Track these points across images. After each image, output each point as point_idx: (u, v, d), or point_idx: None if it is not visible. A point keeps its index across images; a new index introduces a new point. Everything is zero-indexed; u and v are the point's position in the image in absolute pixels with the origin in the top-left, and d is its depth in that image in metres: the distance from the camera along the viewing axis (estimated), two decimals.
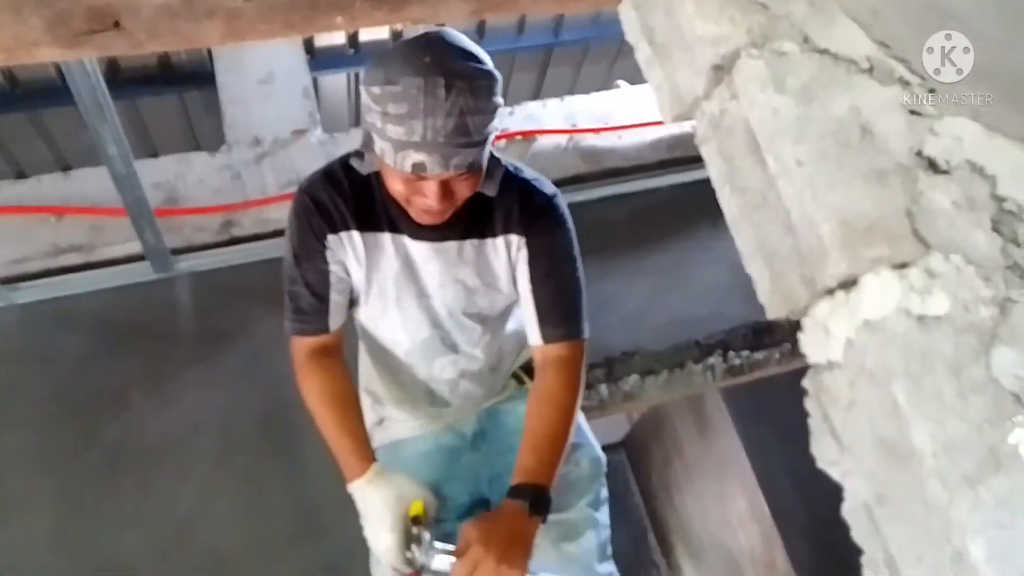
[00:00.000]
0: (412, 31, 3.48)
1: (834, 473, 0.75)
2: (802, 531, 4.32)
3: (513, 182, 1.58)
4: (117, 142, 2.17)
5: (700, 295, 3.05)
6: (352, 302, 1.65)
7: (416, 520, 1.47)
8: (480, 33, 3.90)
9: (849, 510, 0.74)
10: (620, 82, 3.67)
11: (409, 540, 1.45)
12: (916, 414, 0.66)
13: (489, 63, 1.38)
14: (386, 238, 1.57)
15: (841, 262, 0.71)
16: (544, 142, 3.30)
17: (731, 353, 3.00)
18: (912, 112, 0.77)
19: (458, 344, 1.68)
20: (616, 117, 3.41)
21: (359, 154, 1.49)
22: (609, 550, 1.69)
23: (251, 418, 2.63)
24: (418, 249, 1.57)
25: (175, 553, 2.44)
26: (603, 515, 1.71)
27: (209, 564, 2.43)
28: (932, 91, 0.78)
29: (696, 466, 5.60)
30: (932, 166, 0.75)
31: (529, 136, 3.28)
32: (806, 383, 0.78)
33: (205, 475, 2.55)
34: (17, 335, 2.69)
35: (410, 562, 1.44)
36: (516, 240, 1.60)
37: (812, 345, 0.77)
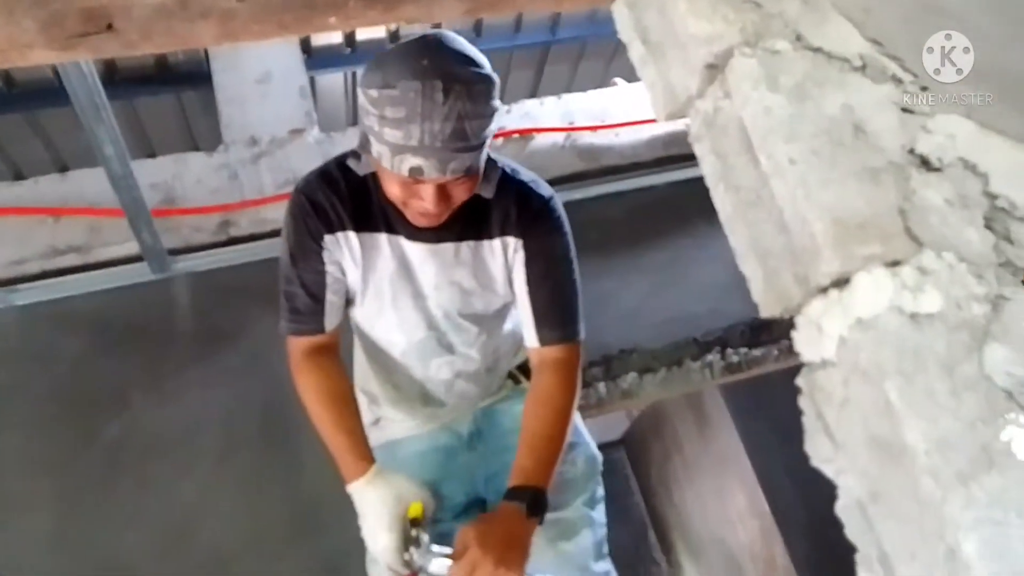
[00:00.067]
0: (409, 31, 3.47)
1: (828, 471, 0.75)
2: (801, 527, 4.33)
3: (510, 184, 1.58)
4: (114, 142, 2.16)
5: (698, 292, 3.05)
6: (348, 302, 1.65)
7: (414, 522, 1.47)
8: (477, 31, 3.90)
9: (843, 507, 0.74)
10: (617, 80, 3.67)
11: (407, 541, 1.45)
12: (909, 412, 0.66)
13: (487, 67, 1.37)
14: (382, 239, 1.57)
15: (834, 260, 0.71)
16: (541, 140, 3.30)
17: (729, 350, 3.00)
18: (905, 110, 0.77)
19: (454, 345, 1.68)
20: (613, 115, 3.41)
21: (356, 155, 1.49)
22: (605, 548, 1.69)
23: (250, 417, 2.63)
24: (414, 250, 1.57)
25: (174, 552, 2.44)
26: (599, 514, 1.71)
27: (209, 563, 2.43)
28: (925, 89, 0.78)
29: (695, 463, 5.61)
30: (925, 164, 0.75)
31: (526, 134, 3.28)
32: (800, 381, 0.78)
33: (204, 474, 2.55)
34: (16, 336, 2.69)
35: (408, 563, 1.44)
36: (513, 242, 1.60)
37: (805, 343, 0.77)
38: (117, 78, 3.35)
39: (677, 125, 3.14)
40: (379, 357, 1.72)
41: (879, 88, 0.77)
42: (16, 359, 2.65)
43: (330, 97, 4.08)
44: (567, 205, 1.69)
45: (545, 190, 1.63)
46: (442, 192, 1.41)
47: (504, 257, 1.61)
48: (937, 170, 0.75)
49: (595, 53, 4.37)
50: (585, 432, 1.79)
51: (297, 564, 2.47)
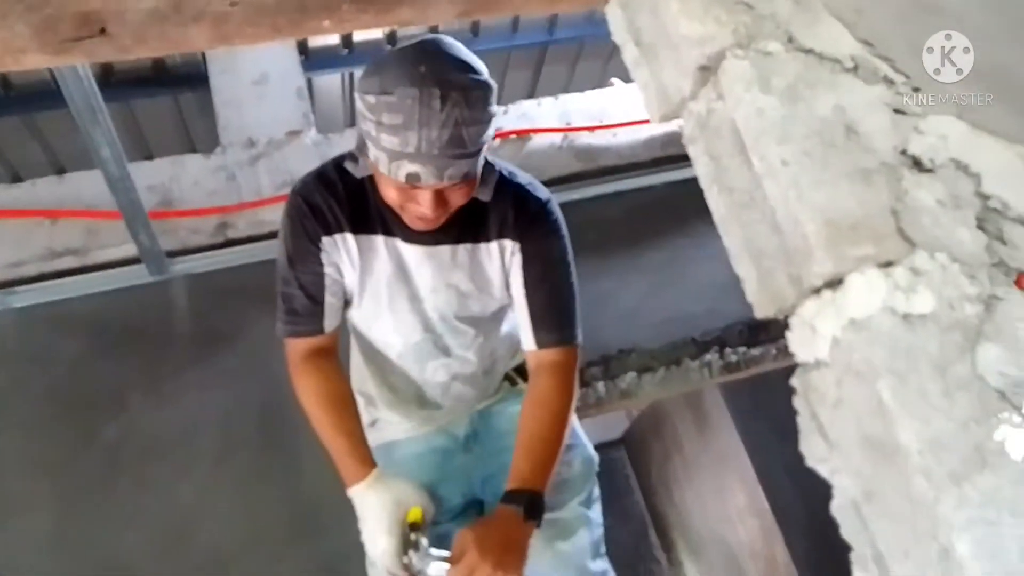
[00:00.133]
0: (407, 32, 3.46)
1: (823, 470, 0.76)
2: (801, 526, 4.34)
3: (507, 187, 1.58)
4: (110, 145, 2.16)
5: (696, 292, 3.05)
6: (346, 303, 1.65)
7: (414, 526, 1.47)
8: (474, 32, 3.90)
9: (838, 507, 0.74)
10: (614, 80, 3.67)
11: (406, 545, 1.45)
12: (902, 412, 0.66)
13: (485, 72, 1.37)
14: (379, 241, 1.57)
15: (826, 261, 0.71)
16: (539, 141, 3.29)
17: (727, 350, 3.00)
18: (896, 111, 0.77)
19: (450, 348, 1.68)
20: (611, 115, 3.41)
21: (353, 157, 1.49)
22: (603, 548, 1.69)
23: (248, 418, 2.63)
24: (411, 252, 1.57)
25: (173, 554, 2.44)
26: (596, 513, 1.71)
27: (207, 564, 2.43)
28: (917, 90, 0.79)
29: (695, 462, 5.61)
30: (917, 164, 0.75)
31: (524, 135, 3.28)
32: (794, 381, 0.78)
33: (203, 476, 2.55)
34: (14, 339, 2.69)
35: (406, 567, 1.44)
36: (510, 245, 1.60)
37: (799, 344, 0.77)
38: (114, 80, 3.34)
39: (674, 125, 3.14)
40: (376, 359, 1.72)
41: (871, 89, 0.78)
42: (14, 361, 2.65)
43: (327, 98, 4.07)
44: (564, 206, 1.69)
45: (542, 193, 1.63)
46: (439, 197, 1.41)
47: (501, 260, 1.61)
48: (929, 171, 0.75)
49: (593, 53, 4.37)
50: (582, 433, 1.79)
51: (296, 566, 2.47)
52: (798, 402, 0.78)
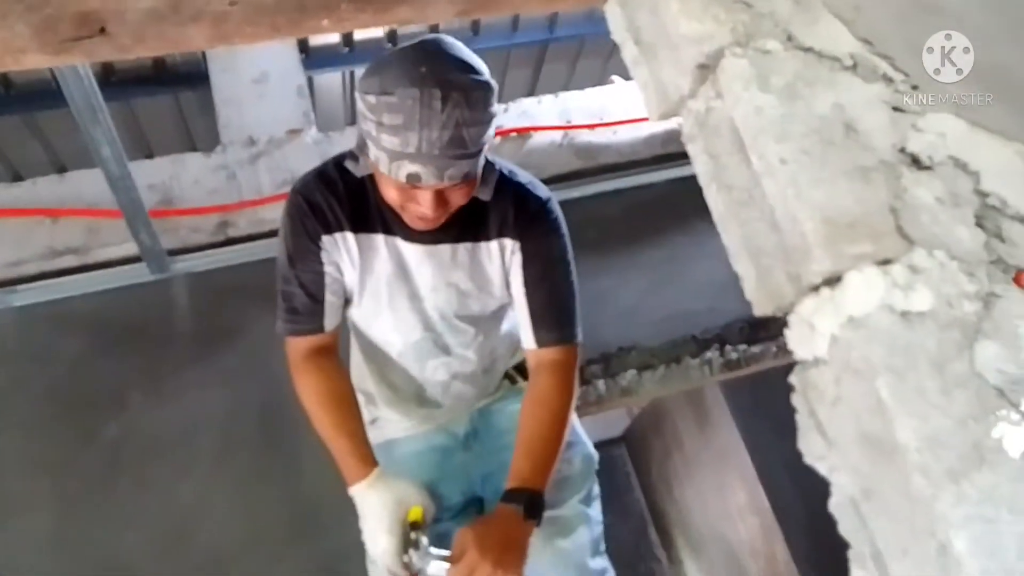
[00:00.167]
0: (407, 31, 3.46)
1: (821, 468, 0.76)
2: (801, 523, 4.34)
3: (507, 186, 1.58)
4: (111, 144, 2.16)
5: (696, 290, 3.05)
6: (347, 302, 1.65)
7: (414, 525, 1.48)
8: (475, 30, 3.90)
9: (836, 505, 0.75)
10: (615, 78, 3.67)
11: (406, 544, 1.46)
12: (900, 409, 0.66)
13: (486, 73, 1.37)
14: (380, 240, 1.57)
15: (825, 259, 0.71)
16: (539, 138, 3.30)
17: (728, 347, 3.00)
18: (895, 109, 0.77)
19: (450, 346, 1.68)
20: (611, 113, 3.41)
21: (353, 156, 1.49)
22: (602, 545, 1.70)
23: (249, 417, 2.63)
24: (411, 251, 1.57)
25: (173, 553, 2.44)
26: (595, 511, 1.72)
27: (207, 564, 2.43)
28: (916, 88, 0.79)
29: (696, 459, 5.61)
30: (915, 162, 0.75)
31: (524, 133, 3.28)
32: (793, 379, 0.78)
33: (203, 475, 2.55)
34: (14, 337, 2.69)
35: (406, 566, 1.45)
36: (510, 244, 1.60)
37: (798, 342, 0.77)
38: (114, 79, 3.35)
39: (674, 123, 3.14)
40: (376, 357, 1.72)
41: (870, 87, 0.78)
42: (15, 360, 2.65)
43: (328, 97, 4.08)
44: (565, 203, 1.69)
45: (542, 191, 1.63)
46: (440, 197, 1.41)
47: (501, 259, 1.61)
48: (928, 168, 0.75)
49: (593, 51, 4.37)
50: (582, 431, 1.79)
51: (296, 565, 2.47)
52: (797, 400, 0.78)
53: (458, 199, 1.44)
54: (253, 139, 3.08)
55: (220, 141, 3.11)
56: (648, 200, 3.24)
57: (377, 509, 1.48)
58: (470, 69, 1.34)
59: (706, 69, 0.81)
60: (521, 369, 1.77)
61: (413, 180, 1.34)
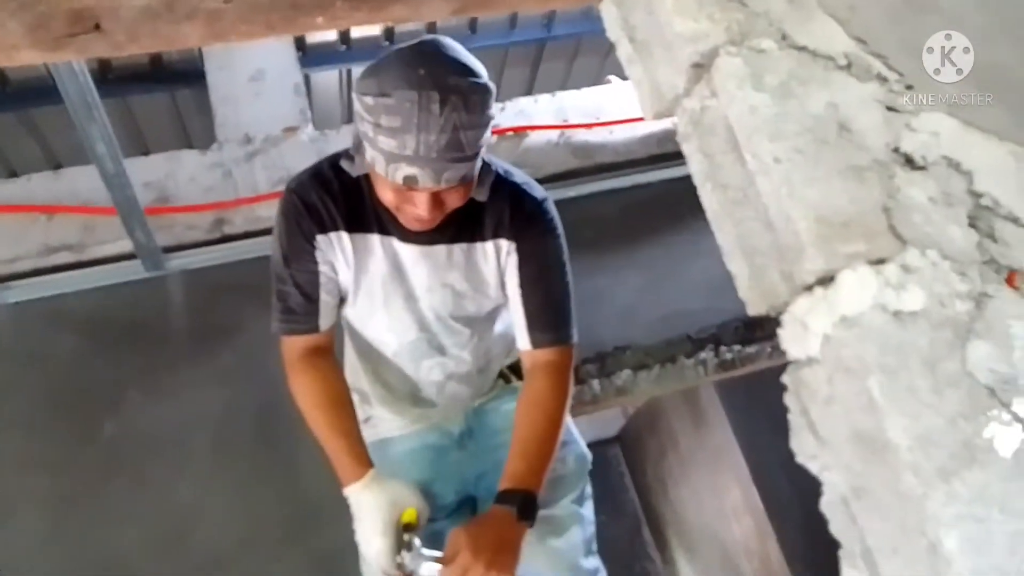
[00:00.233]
0: (404, 29, 3.44)
1: (813, 467, 0.76)
2: (796, 522, 4.34)
3: (503, 186, 1.57)
4: (106, 141, 2.16)
5: (692, 289, 3.05)
6: (341, 301, 1.65)
7: (408, 526, 1.48)
8: (472, 29, 3.90)
9: (827, 503, 0.75)
10: (611, 77, 3.67)
11: (400, 545, 1.46)
12: (891, 408, 0.67)
13: (484, 75, 1.36)
14: (375, 240, 1.56)
15: (818, 258, 0.71)
16: (536, 138, 3.29)
17: (723, 347, 3.01)
18: (889, 108, 0.77)
19: (445, 347, 1.68)
20: (607, 112, 3.41)
21: (349, 156, 1.48)
22: (594, 545, 1.70)
23: (245, 415, 2.63)
24: (407, 252, 1.57)
25: (170, 552, 2.43)
26: (588, 511, 1.72)
27: (204, 562, 2.43)
28: (910, 87, 0.79)
29: (691, 459, 5.61)
30: (909, 162, 0.76)
31: (521, 132, 3.28)
32: (786, 378, 0.79)
33: (200, 473, 2.54)
34: (9, 334, 2.68)
35: (400, 567, 1.45)
36: (506, 245, 1.59)
37: (791, 341, 0.78)
38: (110, 77, 3.34)
39: (670, 122, 3.14)
40: (370, 356, 1.72)
41: (864, 86, 0.78)
42: (9, 357, 2.65)
43: (325, 95, 4.07)
44: (561, 202, 1.69)
45: (538, 192, 1.63)
46: (436, 199, 1.40)
47: (497, 260, 1.61)
48: (921, 168, 0.76)
49: (590, 50, 4.37)
50: (575, 431, 1.79)
51: (292, 565, 2.47)
52: (789, 399, 0.78)
53: (454, 201, 1.44)
54: (249, 137, 3.07)
55: (216, 139, 3.10)
56: (644, 200, 3.23)
57: (371, 510, 1.48)
58: (469, 72, 1.34)
59: (701, 68, 0.82)
60: (516, 368, 1.77)
61: (410, 182, 1.34)
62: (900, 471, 0.65)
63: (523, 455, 1.53)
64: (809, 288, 0.74)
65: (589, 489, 1.75)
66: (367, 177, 1.50)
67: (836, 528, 0.73)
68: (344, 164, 1.49)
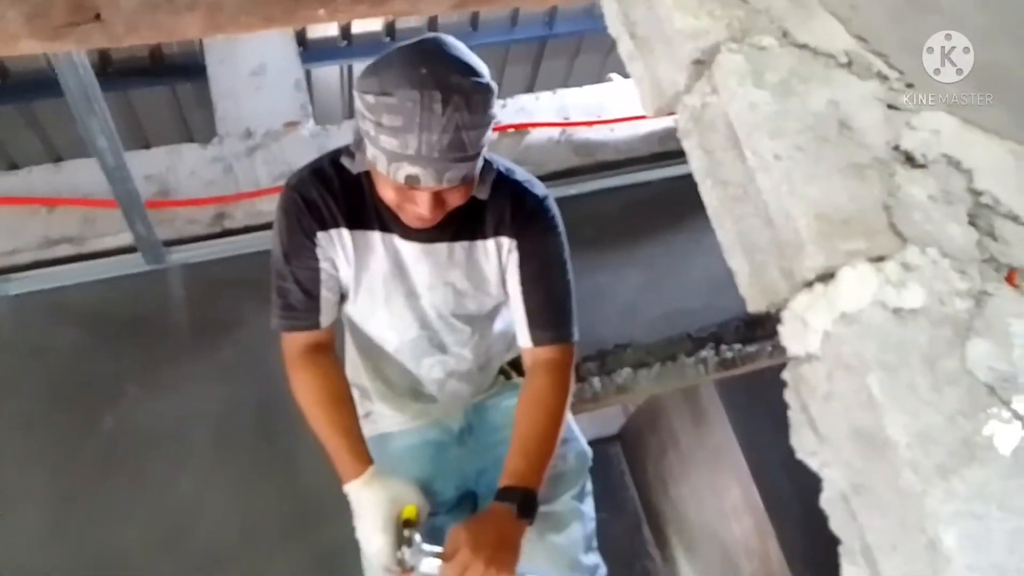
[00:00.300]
0: (406, 25, 3.44)
1: (812, 464, 0.76)
2: (796, 521, 4.34)
3: (505, 184, 1.57)
4: (106, 134, 2.16)
5: (692, 288, 3.05)
6: (342, 298, 1.64)
7: (407, 523, 1.48)
8: (474, 25, 3.89)
9: (827, 500, 0.75)
10: (613, 75, 3.67)
11: (400, 542, 1.46)
12: (891, 405, 0.66)
13: (486, 74, 1.36)
14: (376, 237, 1.56)
15: (817, 255, 0.71)
16: (537, 135, 3.29)
17: (723, 346, 3.01)
18: (890, 106, 0.77)
19: (447, 345, 1.68)
20: (609, 110, 3.41)
21: (350, 153, 1.47)
22: (594, 542, 1.70)
23: (245, 410, 2.63)
24: (408, 249, 1.57)
25: (169, 547, 2.43)
26: (588, 507, 1.72)
27: (204, 558, 2.43)
28: (910, 85, 0.79)
29: (691, 457, 5.62)
30: (909, 160, 0.76)
31: (522, 129, 3.28)
32: (786, 375, 0.78)
33: (200, 469, 2.54)
34: (8, 327, 2.68)
35: (400, 562, 1.45)
36: (507, 243, 1.59)
37: (791, 337, 0.77)
38: (111, 70, 3.34)
39: (671, 120, 3.14)
40: (371, 352, 1.71)
41: (864, 84, 0.78)
42: (9, 350, 2.65)
43: (326, 90, 4.07)
44: (562, 200, 1.69)
45: (539, 190, 1.63)
46: (437, 198, 1.40)
47: (498, 258, 1.61)
48: (922, 166, 0.75)
49: (592, 48, 4.37)
50: (576, 428, 1.79)
51: (292, 561, 2.47)
52: (789, 395, 0.78)
53: (456, 200, 1.44)
54: (250, 131, 3.07)
55: (217, 133, 3.10)
56: (645, 198, 3.24)
57: (371, 507, 1.48)
58: (471, 71, 1.33)
59: (702, 64, 0.81)
60: (516, 364, 1.77)
61: (412, 182, 1.34)
62: (899, 468, 0.65)
63: (523, 453, 1.53)
64: (809, 285, 0.74)
65: (589, 486, 1.75)
66: (368, 174, 1.50)
67: (836, 525, 0.73)
68: (345, 161, 1.49)
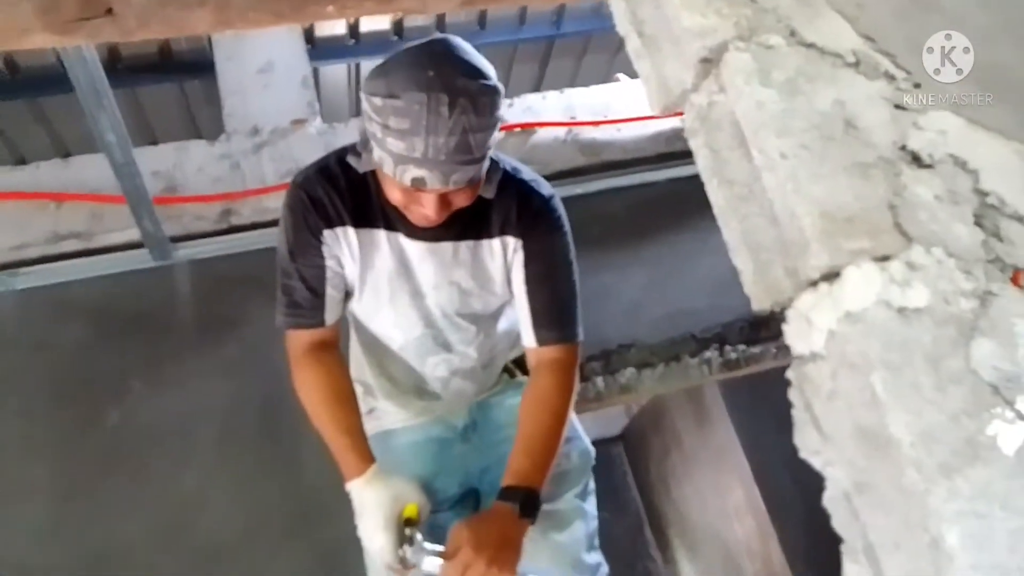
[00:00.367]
0: (414, 23, 3.44)
1: (816, 462, 0.76)
2: (799, 522, 4.34)
3: (511, 183, 1.57)
4: (115, 130, 2.17)
5: (697, 288, 3.05)
6: (347, 296, 1.65)
7: (409, 521, 1.49)
8: (481, 25, 3.90)
9: (830, 499, 0.75)
10: (620, 75, 3.67)
11: (402, 540, 1.47)
12: (894, 404, 0.67)
13: (493, 76, 1.35)
14: (381, 235, 1.56)
15: (822, 254, 0.71)
16: (543, 134, 3.30)
17: (727, 347, 3.00)
18: (896, 106, 0.77)
19: (451, 343, 1.68)
20: (615, 110, 3.41)
21: (356, 151, 1.47)
22: (597, 540, 1.70)
23: (249, 407, 2.63)
24: (413, 248, 1.57)
25: (172, 543, 2.44)
26: (591, 506, 1.72)
27: (206, 554, 2.43)
28: (917, 85, 0.79)
29: (694, 458, 5.61)
30: (916, 160, 0.76)
31: (528, 128, 3.28)
32: (790, 374, 0.78)
33: (203, 465, 2.55)
34: (15, 321, 2.69)
35: (402, 561, 1.46)
36: (512, 242, 1.59)
37: (796, 336, 0.78)
38: (120, 66, 3.36)
39: (678, 120, 3.14)
40: (375, 350, 1.72)
41: (871, 84, 0.78)
42: (15, 345, 2.66)
43: (333, 88, 4.08)
44: (568, 200, 1.69)
45: (545, 189, 1.62)
46: (443, 200, 1.40)
47: (503, 257, 1.61)
48: (928, 166, 0.75)
49: (599, 47, 4.36)
50: (579, 427, 1.80)
51: (294, 557, 2.47)
52: (793, 394, 0.78)
53: (462, 201, 1.44)
54: (257, 128, 3.08)
55: (224, 129, 3.11)
56: (651, 198, 3.23)
57: (373, 506, 1.48)
58: (478, 74, 1.33)
59: (709, 63, 0.82)
60: (520, 363, 1.77)
61: (418, 184, 1.34)
62: (903, 467, 0.65)
63: (527, 452, 1.53)
64: (814, 284, 0.74)
65: (592, 485, 1.75)
66: (374, 173, 1.50)
67: (838, 523, 0.73)
68: (351, 160, 1.48)
